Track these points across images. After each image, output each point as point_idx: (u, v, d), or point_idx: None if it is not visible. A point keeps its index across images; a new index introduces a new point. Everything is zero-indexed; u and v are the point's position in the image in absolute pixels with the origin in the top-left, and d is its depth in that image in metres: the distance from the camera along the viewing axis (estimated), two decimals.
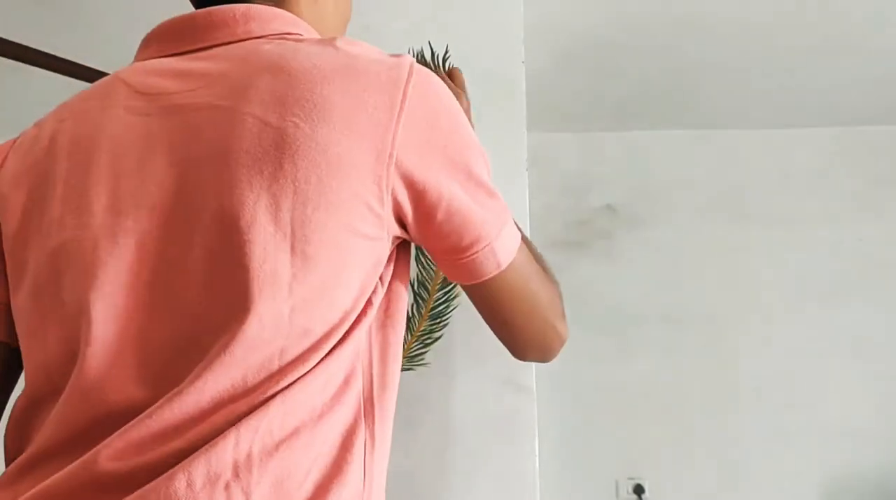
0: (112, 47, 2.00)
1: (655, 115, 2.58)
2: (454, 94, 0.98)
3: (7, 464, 0.67)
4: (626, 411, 2.51)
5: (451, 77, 1.09)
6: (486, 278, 0.74)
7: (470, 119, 1.00)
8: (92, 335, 0.62)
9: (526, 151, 1.42)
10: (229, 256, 0.60)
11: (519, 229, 0.79)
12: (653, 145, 2.67)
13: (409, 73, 0.65)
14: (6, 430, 0.70)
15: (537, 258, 0.82)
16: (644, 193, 2.66)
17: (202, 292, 0.61)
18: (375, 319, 0.69)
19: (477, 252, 0.72)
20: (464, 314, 1.33)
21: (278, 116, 0.61)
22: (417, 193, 0.66)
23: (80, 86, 1.87)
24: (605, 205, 2.67)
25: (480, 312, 0.81)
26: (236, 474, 0.58)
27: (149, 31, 0.76)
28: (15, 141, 0.75)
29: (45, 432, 0.63)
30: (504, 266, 0.74)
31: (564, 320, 0.84)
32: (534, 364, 1.35)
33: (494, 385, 1.32)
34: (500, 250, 0.73)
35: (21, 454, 0.65)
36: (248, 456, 0.58)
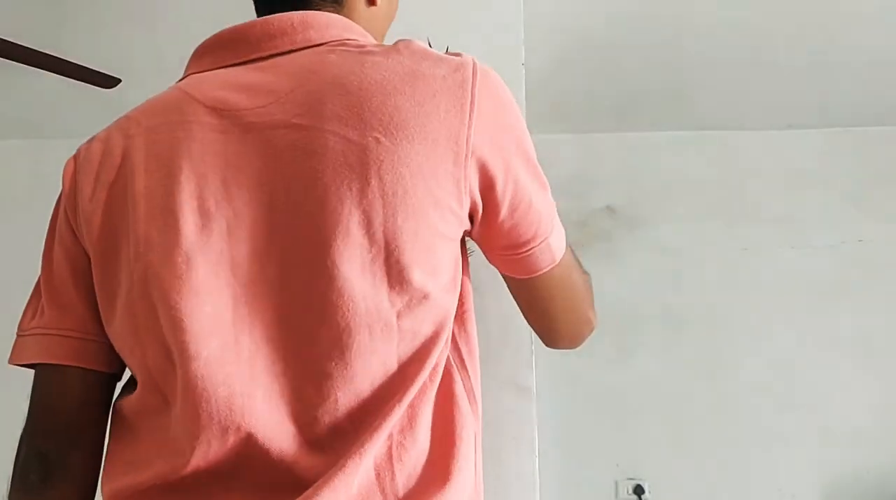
0: (112, 48, 2.01)
1: (655, 116, 2.58)
2: None
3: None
4: (626, 411, 2.51)
5: None
6: (541, 272, 0.77)
7: None
8: (194, 351, 0.63)
9: None
10: (329, 274, 0.62)
11: None
12: (652, 146, 2.67)
13: (474, 74, 0.67)
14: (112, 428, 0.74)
15: (573, 250, 0.85)
16: (644, 193, 2.66)
17: (306, 310, 0.63)
18: (458, 315, 0.73)
19: (534, 247, 0.75)
20: None
21: (359, 132, 0.63)
22: (489, 189, 0.68)
23: (80, 86, 1.88)
24: (605, 206, 2.67)
25: (521, 303, 0.83)
26: (385, 469, 0.63)
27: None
28: (77, 160, 0.74)
29: (176, 448, 0.65)
30: (557, 261, 0.77)
31: (594, 309, 0.87)
32: (534, 364, 1.35)
33: (494, 385, 1.32)
34: (555, 244, 0.76)
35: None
36: (389, 455, 0.64)
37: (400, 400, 0.64)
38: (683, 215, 2.64)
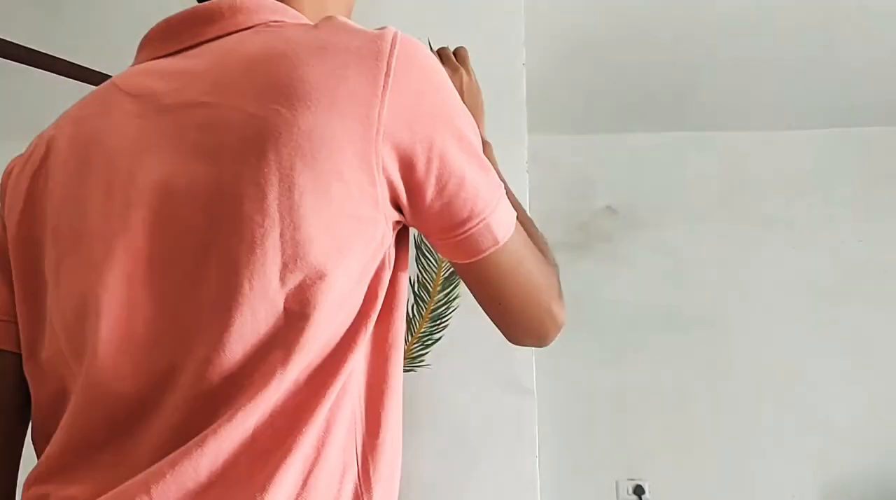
0: (113, 48, 2.00)
1: (656, 116, 2.58)
2: (453, 69, 0.98)
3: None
4: (627, 411, 2.51)
5: (455, 55, 1.04)
6: (481, 255, 0.71)
7: (467, 97, 0.98)
8: (98, 337, 0.63)
9: (526, 152, 1.42)
10: (221, 250, 0.60)
11: (517, 207, 0.77)
12: (653, 147, 2.67)
13: (392, 45, 0.63)
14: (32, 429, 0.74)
15: (535, 238, 0.80)
16: (645, 194, 2.66)
17: (198, 286, 0.61)
18: (381, 310, 0.68)
19: (472, 228, 0.69)
20: (464, 316, 1.33)
21: (260, 105, 0.60)
22: (408, 169, 0.64)
23: (80, 86, 1.87)
24: (606, 206, 2.66)
25: (474, 294, 0.78)
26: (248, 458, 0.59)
27: (146, 31, 0.77)
28: (21, 156, 0.78)
29: (64, 433, 0.65)
30: (501, 243, 0.71)
31: (562, 303, 0.80)
32: (534, 365, 1.35)
33: (495, 386, 1.32)
34: (496, 225, 0.70)
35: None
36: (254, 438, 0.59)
37: (270, 383, 0.60)
38: (684, 215, 2.63)
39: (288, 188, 0.59)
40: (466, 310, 1.32)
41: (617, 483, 2.48)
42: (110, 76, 1.89)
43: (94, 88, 1.94)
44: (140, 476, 0.58)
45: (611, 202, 2.66)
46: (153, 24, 0.76)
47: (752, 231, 2.61)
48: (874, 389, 2.48)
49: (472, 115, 0.71)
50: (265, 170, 0.59)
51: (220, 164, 0.61)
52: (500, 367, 1.33)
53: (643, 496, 2.47)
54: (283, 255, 0.59)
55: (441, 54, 1.04)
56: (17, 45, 1.63)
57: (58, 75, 1.73)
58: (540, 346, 0.83)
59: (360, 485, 0.65)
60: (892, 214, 2.60)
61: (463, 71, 1.02)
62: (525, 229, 0.77)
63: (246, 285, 0.59)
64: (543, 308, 0.78)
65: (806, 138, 2.65)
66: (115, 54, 1.93)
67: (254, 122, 0.60)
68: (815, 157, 2.66)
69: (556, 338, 0.82)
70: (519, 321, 0.79)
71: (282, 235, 0.59)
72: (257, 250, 0.59)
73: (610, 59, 2.19)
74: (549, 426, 2.37)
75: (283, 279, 0.59)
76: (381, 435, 0.67)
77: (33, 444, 0.73)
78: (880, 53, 2.15)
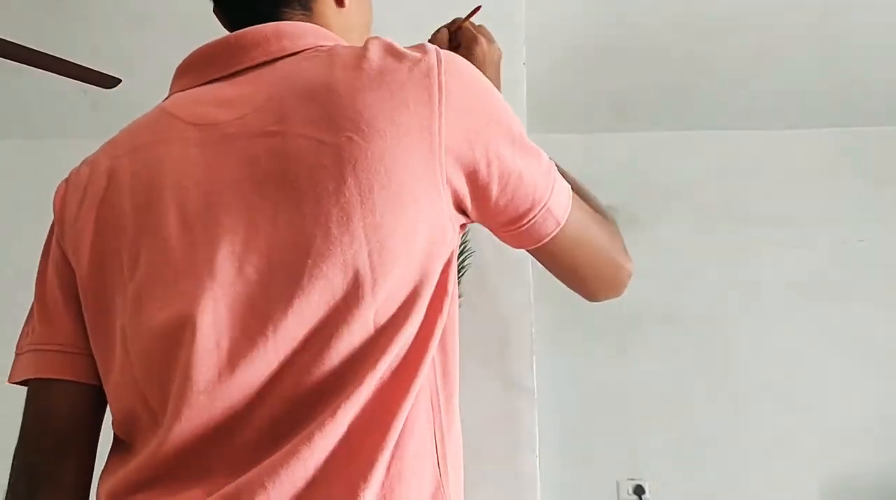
0: (112, 48, 2.01)
1: (656, 116, 2.58)
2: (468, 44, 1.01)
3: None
4: (627, 411, 2.51)
5: (462, 34, 1.06)
6: (548, 238, 0.77)
7: (493, 73, 1.00)
8: (193, 360, 0.64)
9: None
10: (313, 273, 0.63)
11: (565, 174, 0.82)
12: (653, 146, 2.67)
13: (438, 62, 0.67)
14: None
15: (588, 199, 0.87)
16: (645, 194, 2.65)
17: (285, 310, 0.64)
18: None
19: (535, 217, 0.74)
20: (465, 315, 1.33)
21: (331, 133, 0.64)
22: (471, 175, 0.68)
23: (80, 86, 1.87)
24: (606, 206, 2.65)
25: (548, 268, 0.83)
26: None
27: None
28: (67, 183, 0.77)
29: (156, 447, 0.65)
30: (563, 222, 0.77)
31: (626, 252, 0.88)
32: (534, 365, 1.35)
33: (495, 386, 1.32)
34: (556, 208, 0.76)
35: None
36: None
37: (369, 392, 0.64)
38: (683, 215, 2.63)
39: (370, 210, 0.63)
40: (466, 310, 1.32)
41: (617, 483, 2.49)
42: (110, 76, 1.90)
43: (93, 88, 1.94)
44: (252, 475, 0.61)
45: (610, 202, 2.65)
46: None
47: (751, 230, 2.61)
48: (874, 389, 2.49)
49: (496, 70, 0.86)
50: (347, 194, 0.63)
51: (300, 191, 0.64)
52: (500, 367, 1.33)
53: (643, 496, 2.47)
54: (372, 272, 0.63)
55: (451, 34, 1.07)
56: (17, 45, 1.63)
57: (58, 75, 1.73)
58: (616, 296, 0.90)
59: (440, 470, 0.69)
60: (893, 213, 2.61)
61: (480, 40, 1.03)
62: (578, 193, 0.83)
63: (341, 305, 0.63)
64: (613, 264, 0.86)
65: (806, 137, 2.65)
66: (115, 54, 1.93)
67: (327, 149, 0.64)
68: (815, 156, 2.65)
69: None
70: (596, 282, 0.87)
71: (370, 255, 0.63)
72: (349, 271, 0.63)
73: (610, 59, 2.19)
74: (549, 426, 2.36)
75: (373, 295, 0.64)
76: (454, 421, 0.73)
77: (113, 454, 0.73)
78: (881, 53, 2.15)
